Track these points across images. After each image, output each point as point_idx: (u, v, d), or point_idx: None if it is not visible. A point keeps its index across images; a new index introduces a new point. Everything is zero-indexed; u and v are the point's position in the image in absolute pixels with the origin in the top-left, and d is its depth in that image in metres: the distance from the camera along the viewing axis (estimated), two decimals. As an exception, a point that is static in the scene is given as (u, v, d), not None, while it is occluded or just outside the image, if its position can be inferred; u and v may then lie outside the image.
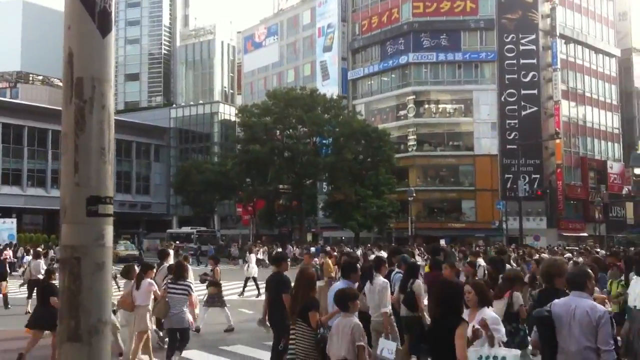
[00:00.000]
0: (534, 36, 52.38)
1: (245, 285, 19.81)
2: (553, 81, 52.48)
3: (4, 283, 16.42)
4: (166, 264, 11.35)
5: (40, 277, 15.60)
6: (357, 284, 7.35)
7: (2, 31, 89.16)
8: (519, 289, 6.64)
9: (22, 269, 22.69)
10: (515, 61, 51.96)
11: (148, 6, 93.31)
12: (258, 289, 19.29)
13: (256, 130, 48.45)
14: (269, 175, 49.38)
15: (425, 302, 8.69)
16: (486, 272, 11.30)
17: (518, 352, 5.96)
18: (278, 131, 49.82)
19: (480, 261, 13.52)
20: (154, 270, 9.96)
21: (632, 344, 7.93)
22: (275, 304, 7.73)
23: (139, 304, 8.99)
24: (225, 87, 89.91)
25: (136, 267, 9.95)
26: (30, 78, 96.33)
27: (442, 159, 53.53)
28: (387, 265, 9.31)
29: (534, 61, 52.22)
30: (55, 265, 17.67)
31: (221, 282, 13.51)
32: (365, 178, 46.58)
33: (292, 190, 50.15)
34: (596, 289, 7.25)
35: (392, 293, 8.72)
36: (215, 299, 12.79)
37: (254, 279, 19.74)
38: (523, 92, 51.53)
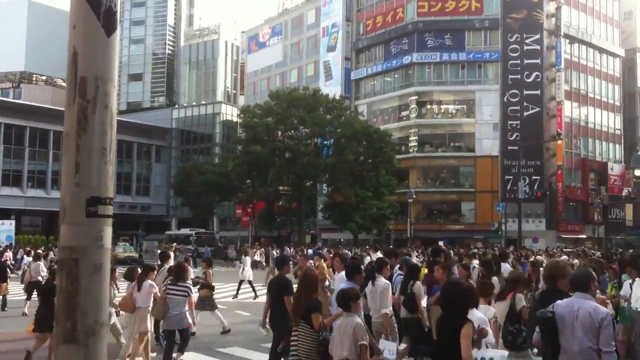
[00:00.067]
0: (538, 36, 52.29)
1: (239, 288, 19.60)
2: (556, 81, 52.39)
3: (4, 285, 16.43)
4: (167, 266, 11.35)
5: (40, 279, 15.78)
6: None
7: (7, 31, 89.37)
8: (522, 291, 6.66)
9: (21, 271, 22.76)
10: (518, 61, 51.88)
11: (153, 6, 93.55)
12: (254, 291, 19.24)
13: (258, 131, 48.44)
14: (270, 176, 49.36)
15: (424, 303, 8.72)
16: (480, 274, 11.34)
17: (505, 352, 5.98)
18: (280, 132, 49.83)
19: (475, 263, 13.57)
20: (155, 272, 9.97)
21: (633, 346, 7.92)
22: (276, 305, 7.73)
23: (140, 305, 8.99)
24: (228, 88, 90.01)
25: (139, 269, 9.97)
26: (34, 78, 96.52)
27: (443, 160, 53.48)
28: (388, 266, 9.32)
29: (538, 61, 52.13)
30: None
31: (214, 284, 13.44)
32: (366, 179, 46.56)
33: (292, 191, 50.13)
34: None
35: (394, 294, 8.73)
36: (205, 302, 12.60)
37: (250, 282, 19.60)
38: (526, 92, 51.46)
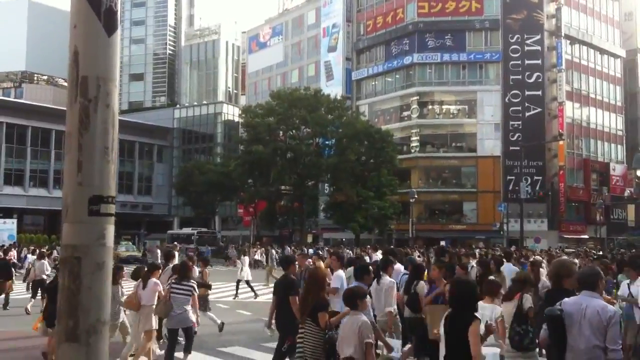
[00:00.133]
0: (539, 37, 52.27)
1: (237, 288, 19.58)
2: (557, 82, 52.38)
3: (8, 282, 16.52)
4: (171, 265, 11.39)
5: (44, 277, 15.95)
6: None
7: (8, 31, 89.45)
8: (529, 291, 6.65)
9: (24, 270, 22.84)
10: (519, 62, 51.86)
11: (153, 6, 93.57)
12: (253, 291, 19.28)
13: (259, 131, 48.46)
14: (271, 176, 49.37)
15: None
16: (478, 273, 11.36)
17: (497, 350, 5.99)
18: (281, 132, 49.85)
19: (474, 262, 13.58)
20: (160, 271, 10.03)
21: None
22: (282, 305, 7.75)
23: (145, 303, 9.06)
24: (229, 88, 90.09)
25: (146, 268, 10.04)
26: (35, 78, 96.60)
27: (444, 161, 53.46)
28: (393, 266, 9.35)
29: (539, 62, 52.10)
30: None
31: (213, 283, 13.43)
32: (368, 179, 46.52)
33: (293, 191, 50.12)
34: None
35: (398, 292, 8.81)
36: (201, 302, 12.67)
37: (247, 282, 19.54)
38: (527, 93, 51.43)
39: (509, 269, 12.21)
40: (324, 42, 63.75)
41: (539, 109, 51.41)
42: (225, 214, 69.89)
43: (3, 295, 16.42)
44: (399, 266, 10.12)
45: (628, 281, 8.56)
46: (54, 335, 9.04)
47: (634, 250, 27.30)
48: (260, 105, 52.20)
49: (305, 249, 34.73)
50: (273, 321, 8.19)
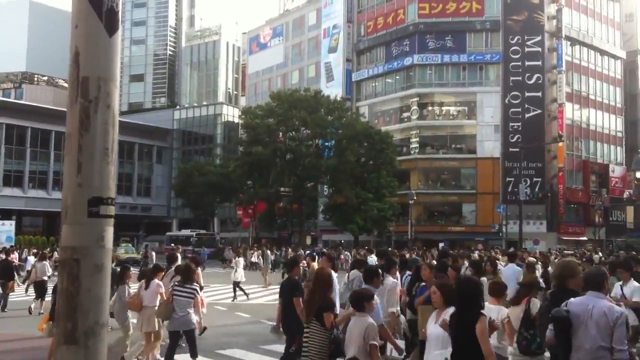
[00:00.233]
0: (539, 38, 52.28)
1: (234, 290, 19.54)
2: (558, 83, 52.39)
3: (10, 283, 16.58)
4: (173, 267, 11.41)
5: (46, 278, 16.08)
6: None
7: (8, 31, 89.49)
8: (536, 295, 6.62)
9: (25, 273, 22.94)
10: (520, 63, 51.88)
11: (154, 7, 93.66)
12: (244, 292, 19.37)
13: (259, 132, 48.48)
14: (271, 177, 49.35)
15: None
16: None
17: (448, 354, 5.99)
18: (281, 133, 49.85)
19: (466, 263, 13.64)
20: (163, 273, 10.09)
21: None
22: (288, 307, 7.76)
23: (147, 304, 9.10)
24: (229, 89, 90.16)
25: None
26: (35, 79, 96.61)
27: (444, 162, 53.45)
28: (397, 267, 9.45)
29: (539, 63, 52.11)
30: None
31: (203, 285, 13.41)
32: (367, 181, 46.51)
33: (293, 193, 50.10)
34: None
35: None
36: None
37: (238, 284, 19.45)
38: (527, 94, 51.43)
39: (512, 270, 12.25)
40: (324, 43, 63.79)
41: (539, 111, 51.41)
42: (225, 216, 69.91)
43: (3, 297, 16.43)
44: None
45: (620, 283, 8.59)
46: None
47: (633, 252, 27.29)
48: (260, 107, 52.21)
49: (303, 251, 34.66)
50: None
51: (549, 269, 15.58)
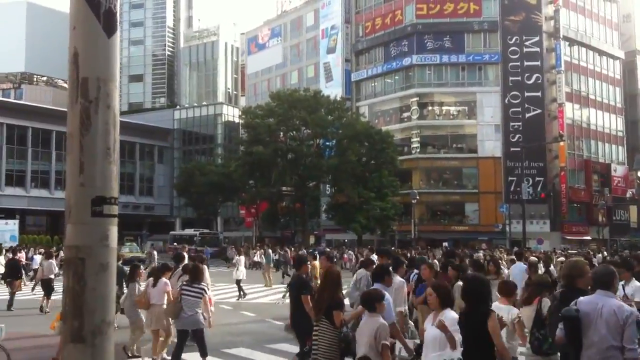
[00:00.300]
0: (537, 38, 52.27)
1: (239, 288, 19.51)
2: (557, 83, 52.38)
3: (16, 282, 16.67)
4: (181, 267, 11.46)
5: (52, 277, 16.24)
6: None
7: (7, 32, 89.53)
8: (547, 295, 6.60)
9: (32, 272, 23.07)
10: (518, 63, 51.86)
11: (152, 7, 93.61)
12: (243, 292, 19.32)
13: (259, 132, 48.46)
14: (272, 177, 49.36)
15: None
16: None
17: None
18: (281, 133, 49.83)
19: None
20: (171, 272, 10.18)
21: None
22: (297, 306, 7.78)
23: (154, 302, 9.18)
24: (228, 89, 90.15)
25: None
26: (35, 79, 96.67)
27: (445, 162, 53.42)
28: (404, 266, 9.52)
29: (538, 63, 52.10)
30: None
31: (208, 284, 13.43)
32: (369, 180, 46.47)
33: (295, 192, 50.08)
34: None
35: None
36: None
37: (238, 282, 19.47)
38: (527, 94, 51.42)
39: (519, 268, 12.34)
40: (322, 43, 63.76)
41: (539, 110, 51.39)
42: (227, 215, 69.90)
43: (9, 296, 16.50)
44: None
45: (622, 282, 8.57)
46: None
47: (639, 252, 27.27)
48: (260, 107, 52.20)
49: (305, 251, 34.69)
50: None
51: (551, 268, 15.61)
